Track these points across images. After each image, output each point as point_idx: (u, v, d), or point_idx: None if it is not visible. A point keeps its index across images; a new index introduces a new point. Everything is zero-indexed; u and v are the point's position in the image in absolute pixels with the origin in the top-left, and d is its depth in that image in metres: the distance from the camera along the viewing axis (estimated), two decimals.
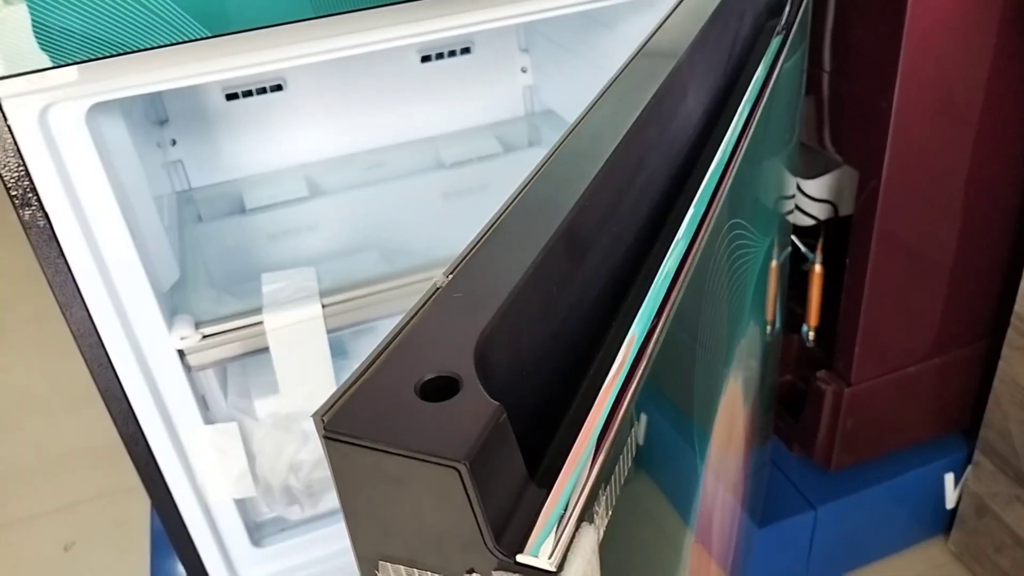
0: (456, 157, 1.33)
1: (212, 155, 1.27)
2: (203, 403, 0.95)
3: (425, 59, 1.32)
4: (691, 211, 0.61)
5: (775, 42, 0.90)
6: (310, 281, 0.98)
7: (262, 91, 1.25)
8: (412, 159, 1.34)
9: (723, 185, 0.65)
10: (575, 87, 1.32)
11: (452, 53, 1.33)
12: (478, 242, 0.39)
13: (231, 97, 1.23)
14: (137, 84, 0.76)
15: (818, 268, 1.20)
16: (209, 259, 1.19)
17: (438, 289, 0.36)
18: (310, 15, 0.74)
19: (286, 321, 0.93)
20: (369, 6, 0.77)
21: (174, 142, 1.24)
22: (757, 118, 0.78)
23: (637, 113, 0.55)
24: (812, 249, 1.22)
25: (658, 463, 0.51)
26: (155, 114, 1.21)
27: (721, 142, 0.72)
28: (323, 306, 0.94)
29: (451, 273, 0.37)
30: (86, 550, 1.52)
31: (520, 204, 0.43)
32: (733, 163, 0.71)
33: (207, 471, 0.97)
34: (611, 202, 0.47)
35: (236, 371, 1.09)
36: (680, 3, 0.86)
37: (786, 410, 1.34)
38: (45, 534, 1.55)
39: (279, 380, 0.95)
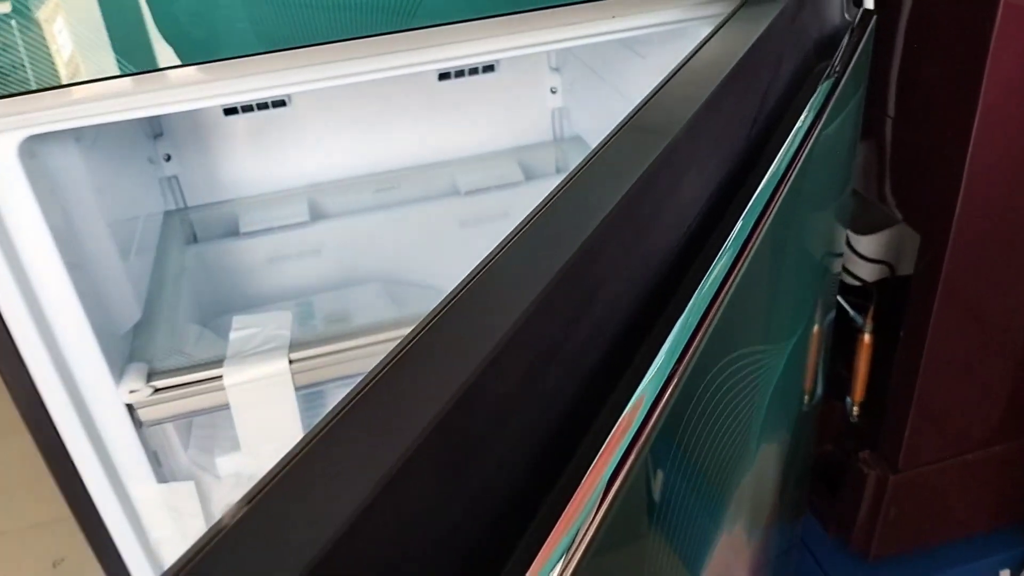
0: (473, 184, 1.22)
1: (209, 172, 1.18)
2: (155, 459, 0.87)
3: (443, 76, 1.21)
4: (693, 303, 0.49)
5: (823, 87, 0.77)
6: (283, 329, 0.89)
7: (263, 106, 1.15)
8: (426, 184, 1.24)
9: (736, 271, 0.54)
10: (606, 113, 1.19)
11: (474, 71, 1.22)
12: (327, 422, 0.27)
13: (230, 112, 1.14)
14: (71, 117, 0.67)
15: (867, 338, 1.05)
16: (196, 285, 1.10)
17: (221, 531, 0.25)
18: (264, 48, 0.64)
19: (248, 376, 0.83)
20: (343, 38, 0.67)
21: (168, 157, 1.15)
22: (794, 175, 0.66)
23: (623, 193, 0.43)
24: (861, 312, 1.07)
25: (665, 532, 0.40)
26: (149, 127, 1.13)
27: (748, 202, 0.61)
28: (291, 361, 0.85)
29: (250, 502, 0.25)
30: (75, 566, 1.46)
31: (433, 331, 0.31)
32: (764, 221, 0.59)
33: (161, 532, 0.88)
34: (560, 333, 0.35)
35: (203, 421, 1.00)
36: (710, 38, 0.74)
37: (823, 484, 1.20)
38: (35, 548, 1.50)
39: (240, 438, 0.86)
